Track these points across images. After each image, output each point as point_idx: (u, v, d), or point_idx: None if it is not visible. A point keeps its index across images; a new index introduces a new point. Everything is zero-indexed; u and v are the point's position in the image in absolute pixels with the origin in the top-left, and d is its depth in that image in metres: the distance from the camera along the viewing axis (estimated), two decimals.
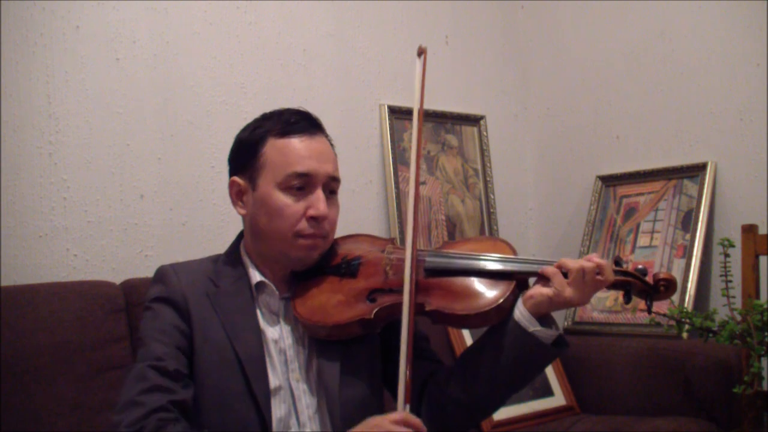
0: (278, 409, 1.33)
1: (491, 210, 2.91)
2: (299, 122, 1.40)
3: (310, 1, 2.53)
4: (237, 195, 1.43)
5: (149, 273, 2.08)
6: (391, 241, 1.51)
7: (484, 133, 2.94)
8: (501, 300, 1.33)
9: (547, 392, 2.41)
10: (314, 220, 1.36)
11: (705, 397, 2.17)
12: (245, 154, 1.41)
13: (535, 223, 3.12)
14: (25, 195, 1.96)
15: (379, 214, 2.64)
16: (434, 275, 1.39)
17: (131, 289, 1.92)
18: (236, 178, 1.42)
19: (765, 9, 2.42)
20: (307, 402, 1.36)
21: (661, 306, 2.38)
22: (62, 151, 2.02)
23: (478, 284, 1.36)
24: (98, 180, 2.07)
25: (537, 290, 1.33)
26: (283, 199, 1.36)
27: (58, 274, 1.98)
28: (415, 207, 1.38)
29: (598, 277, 1.31)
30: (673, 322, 2.17)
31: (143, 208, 2.14)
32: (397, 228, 2.60)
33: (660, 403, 2.25)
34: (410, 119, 2.74)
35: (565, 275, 1.32)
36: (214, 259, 1.47)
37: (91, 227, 2.05)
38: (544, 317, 1.34)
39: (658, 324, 2.28)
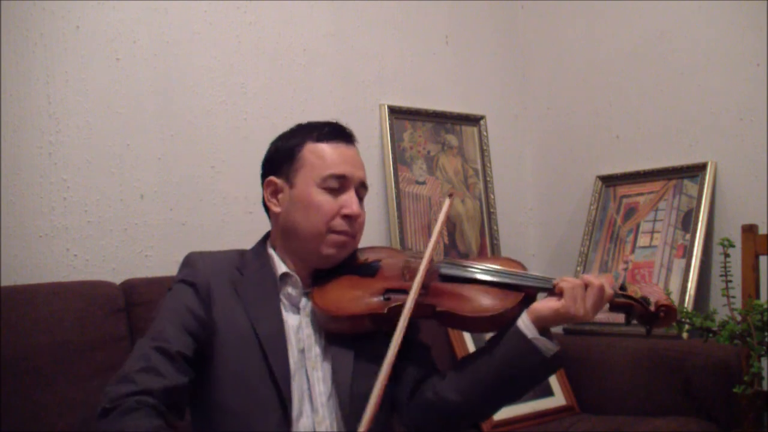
0: (295, 393, 1.39)
1: (491, 210, 2.91)
2: (335, 132, 1.52)
3: (310, 1, 2.53)
4: (272, 194, 1.53)
5: (149, 273, 2.10)
6: (411, 251, 1.60)
7: (484, 133, 2.94)
8: (508, 307, 1.42)
9: (547, 392, 2.41)
10: (348, 218, 1.47)
11: (705, 397, 2.17)
12: (283, 157, 1.52)
13: (535, 223, 3.12)
14: (25, 195, 1.96)
15: (379, 214, 2.63)
16: (448, 281, 1.50)
17: (131, 289, 1.92)
18: (272, 178, 1.52)
19: (765, 9, 2.41)
20: (320, 390, 1.42)
21: None
22: (62, 151, 2.02)
23: (488, 292, 1.46)
24: (98, 180, 2.07)
25: (543, 304, 1.41)
26: (321, 197, 1.47)
27: (58, 274, 1.98)
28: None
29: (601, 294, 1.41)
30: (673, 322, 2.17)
31: (143, 208, 2.14)
32: (396, 228, 2.60)
33: (660, 403, 2.25)
34: (410, 119, 2.75)
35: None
36: (241, 252, 1.55)
37: (91, 227, 2.05)
38: (545, 330, 1.41)
39: None
